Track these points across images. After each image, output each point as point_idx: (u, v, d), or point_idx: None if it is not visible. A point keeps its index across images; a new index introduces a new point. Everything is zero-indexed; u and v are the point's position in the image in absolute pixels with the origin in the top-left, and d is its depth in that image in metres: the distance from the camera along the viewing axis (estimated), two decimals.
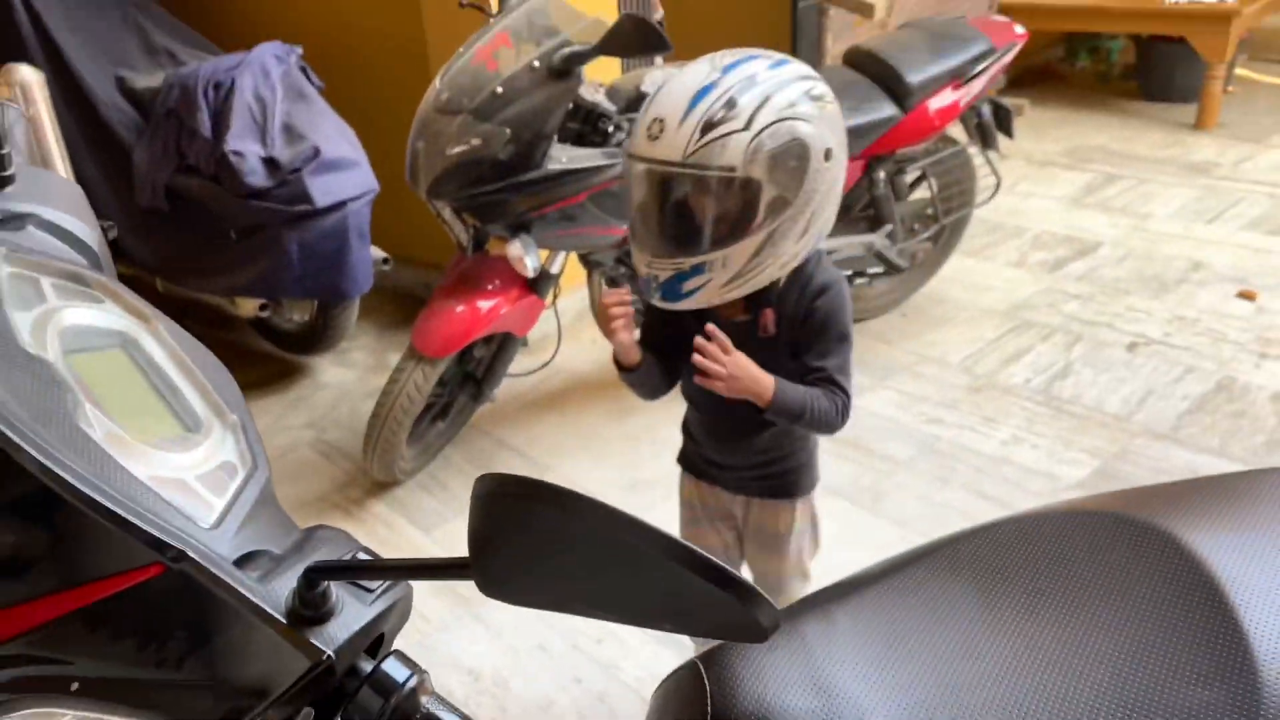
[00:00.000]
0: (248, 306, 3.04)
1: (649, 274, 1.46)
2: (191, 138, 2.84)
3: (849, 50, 2.93)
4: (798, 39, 4.51)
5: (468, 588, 0.71)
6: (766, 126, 1.33)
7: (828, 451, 2.73)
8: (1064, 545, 0.96)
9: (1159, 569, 0.89)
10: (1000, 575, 0.95)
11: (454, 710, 0.62)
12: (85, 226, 0.80)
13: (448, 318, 2.33)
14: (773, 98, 1.35)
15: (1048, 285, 3.55)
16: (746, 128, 1.33)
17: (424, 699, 0.61)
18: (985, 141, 3.04)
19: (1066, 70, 6.07)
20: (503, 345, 2.62)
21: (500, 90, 2.10)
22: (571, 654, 2.13)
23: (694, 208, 1.41)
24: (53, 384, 0.62)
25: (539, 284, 2.39)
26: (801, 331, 1.50)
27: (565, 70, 2.11)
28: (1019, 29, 3.00)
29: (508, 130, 2.11)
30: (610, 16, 2.13)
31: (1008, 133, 3.07)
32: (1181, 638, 0.83)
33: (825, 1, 4.29)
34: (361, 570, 0.58)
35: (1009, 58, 2.93)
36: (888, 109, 2.74)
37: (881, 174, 2.85)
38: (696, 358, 1.39)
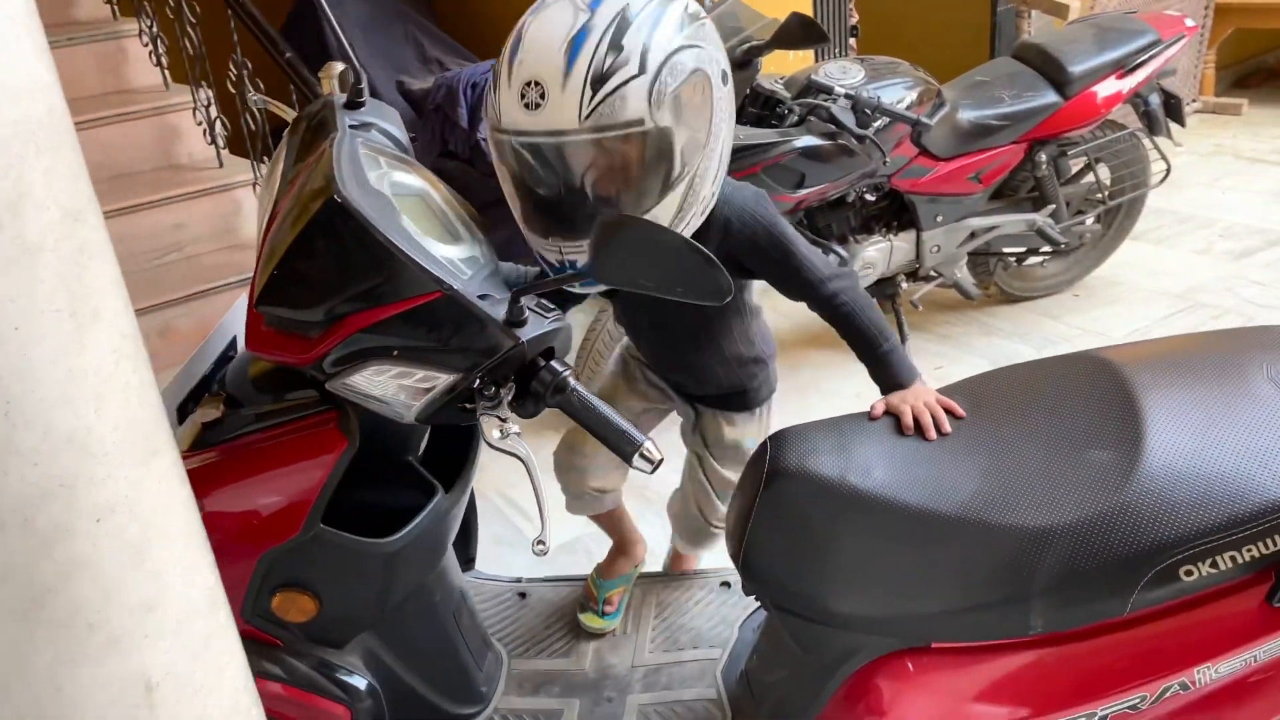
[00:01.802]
0: None
1: (562, 259, 1.27)
2: (452, 128, 3.51)
3: (1017, 45, 3.21)
4: (996, 41, 4.73)
5: None
6: (663, 64, 1.18)
7: None
8: (1046, 379, 1.32)
9: (1100, 386, 1.23)
10: (994, 399, 1.32)
11: (590, 396, 1.09)
12: (402, 134, 1.36)
13: None
14: (657, 30, 1.19)
15: (1229, 271, 3.63)
16: (642, 71, 1.17)
17: (572, 382, 1.09)
18: (1153, 128, 3.21)
19: None
20: None
21: None
22: None
23: (604, 176, 1.23)
24: (388, 205, 1.14)
25: None
26: (749, 264, 1.44)
27: (744, 62, 2.57)
28: (1189, 22, 3.16)
29: None
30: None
31: (1179, 120, 3.22)
32: (1098, 426, 1.18)
33: (1023, 4, 4.50)
34: (537, 286, 1.06)
35: (1176, 49, 3.10)
36: (1049, 96, 3.00)
37: (1043, 156, 3.11)
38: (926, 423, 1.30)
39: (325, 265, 1.10)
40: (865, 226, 3.05)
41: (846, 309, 1.43)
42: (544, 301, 1.15)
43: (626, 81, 1.16)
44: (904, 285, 3.23)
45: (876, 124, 2.76)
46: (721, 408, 1.70)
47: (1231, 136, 4.97)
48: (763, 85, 2.70)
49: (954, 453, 1.24)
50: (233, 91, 2.98)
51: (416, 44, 3.97)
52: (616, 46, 1.16)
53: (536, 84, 1.16)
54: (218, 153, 3.16)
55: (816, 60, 3.60)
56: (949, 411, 1.31)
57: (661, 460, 1.07)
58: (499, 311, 1.07)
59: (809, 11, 3.97)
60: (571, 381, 1.09)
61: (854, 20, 4.16)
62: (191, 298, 2.86)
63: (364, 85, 1.34)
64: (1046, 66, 3.04)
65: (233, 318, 1.45)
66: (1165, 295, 3.51)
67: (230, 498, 1.22)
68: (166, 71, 3.32)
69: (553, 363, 1.10)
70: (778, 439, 1.31)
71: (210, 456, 1.26)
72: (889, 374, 1.40)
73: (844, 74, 2.81)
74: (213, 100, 3.17)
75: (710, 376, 1.65)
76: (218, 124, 3.17)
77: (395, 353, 1.08)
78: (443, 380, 1.07)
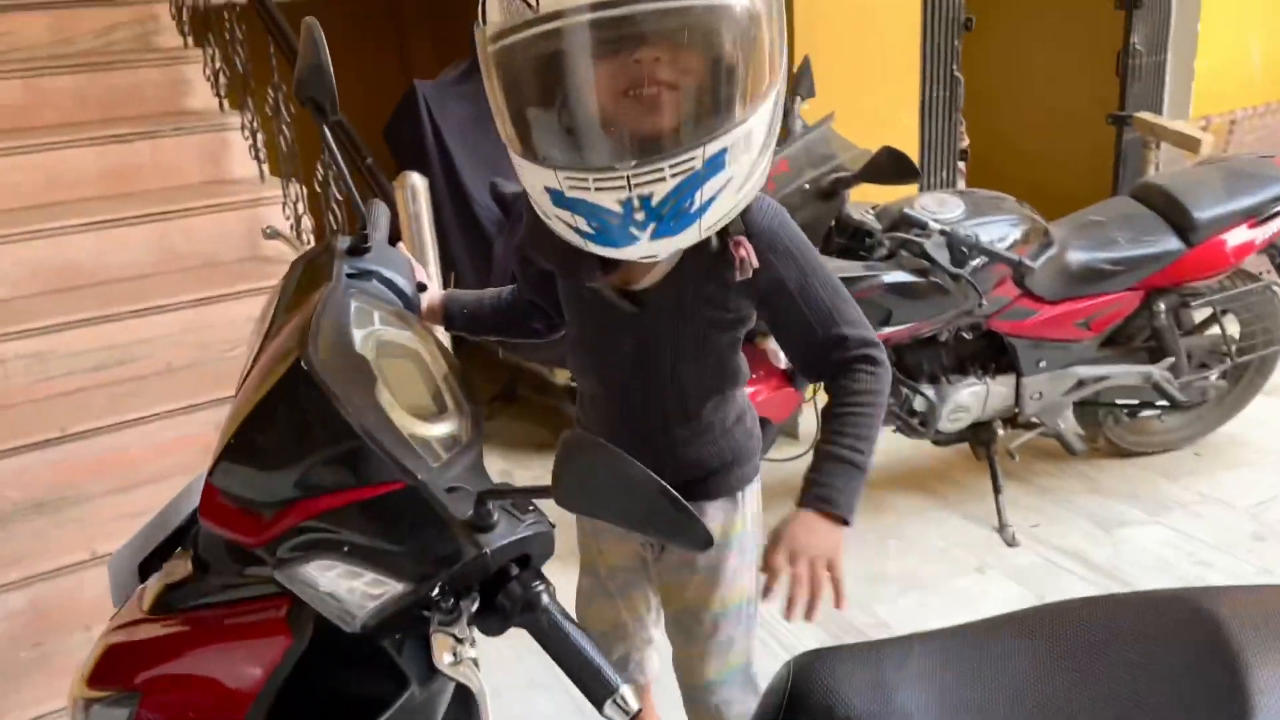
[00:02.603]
0: (563, 375, 3.58)
1: (626, 198, 1.02)
2: None
3: (1138, 185, 2.98)
4: (1121, 171, 4.48)
5: None
6: None
7: (1077, 576, 2.75)
8: (1129, 623, 1.09)
9: (1197, 643, 1.01)
10: (1064, 642, 1.10)
11: (567, 616, 0.93)
12: (407, 283, 1.25)
13: None
14: None
15: None
16: None
17: (546, 600, 0.93)
18: None
19: None
20: (762, 429, 2.91)
21: None
22: None
23: (695, 61, 1.02)
24: (366, 373, 1.02)
25: (795, 377, 2.67)
26: (765, 295, 1.21)
27: (831, 192, 2.42)
28: None
29: None
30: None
31: None
32: (1190, 702, 0.95)
33: (1152, 135, 4.25)
34: (499, 494, 0.91)
35: None
36: (1170, 242, 2.76)
37: (1163, 306, 2.85)
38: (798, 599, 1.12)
39: (283, 438, 0.98)
40: (959, 366, 2.83)
41: (862, 383, 1.20)
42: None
43: None
44: (1001, 432, 2.98)
45: (974, 262, 2.57)
46: (704, 497, 1.38)
47: None
48: (851, 215, 2.55)
49: (1014, 710, 1.03)
50: (318, 191, 2.99)
51: None
52: None
53: None
54: (299, 248, 3.16)
55: (921, 188, 3.43)
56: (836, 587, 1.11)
57: (639, 711, 0.90)
58: (466, 510, 0.92)
59: (916, 131, 3.82)
60: (544, 599, 0.93)
61: (965, 143, 3.99)
62: None
63: (370, 230, 1.24)
64: (1169, 210, 2.81)
65: None
66: None
67: (174, 680, 1.10)
68: (264, 165, 3.37)
69: (525, 573, 0.94)
70: (803, 666, 1.12)
71: (172, 624, 1.14)
72: (827, 489, 1.18)
73: (941, 207, 2.63)
74: (302, 196, 3.19)
75: (691, 452, 1.34)
76: (304, 219, 3.18)
77: (345, 548, 0.94)
78: (393, 588, 0.92)
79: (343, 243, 1.24)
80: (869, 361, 1.21)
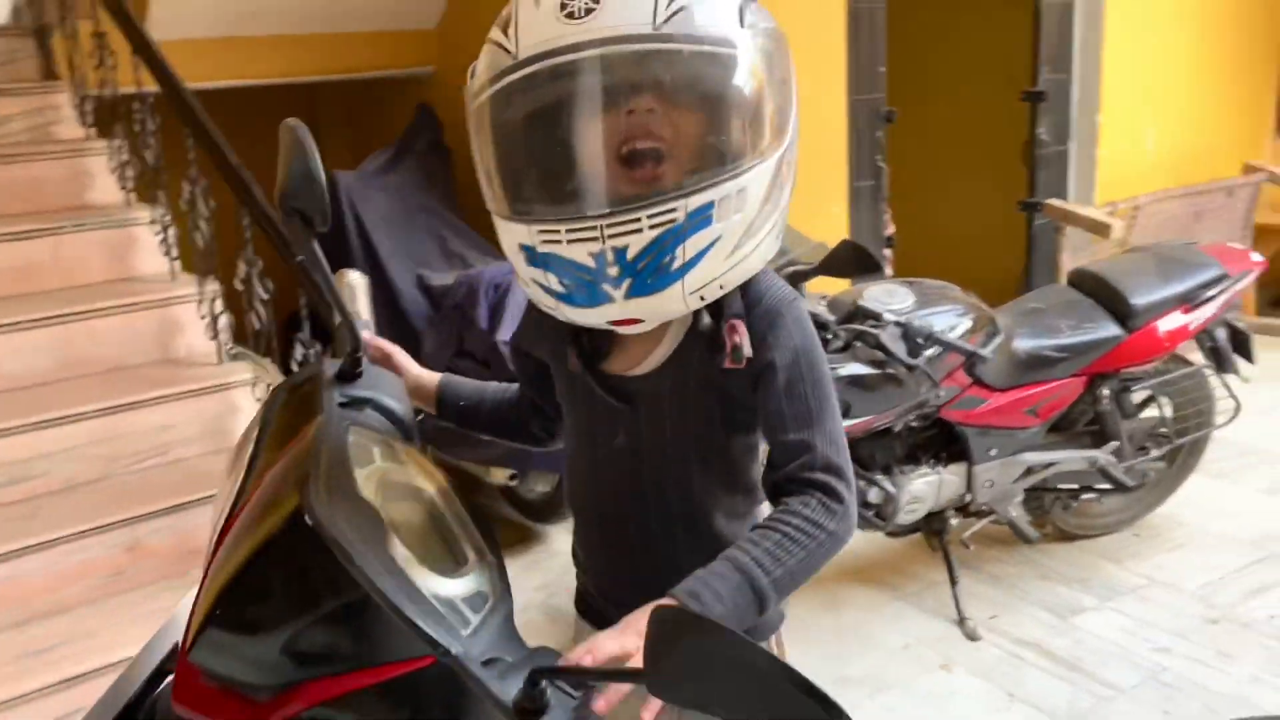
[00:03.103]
0: (499, 475, 3.42)
1: (599, 250, 0.94)
2: (470, 327, 3.32)
3: (1073, 272, 3.04)
4: (1033, 256, 4.61)
5: None
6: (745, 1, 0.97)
7: (1042, 669, 2.71)
8: None
9: None
10: None
11: None
12: (403, 409, 1.10)
13: None
14: None
15: None
16: None
17: None
18: (1220, 365, 3.00)
19: None
20: None
21: None
22: None
23: (686, 109, 0.95)
24: (376, 521, 0.88)
25: None
26: (754, 375, 1.07)
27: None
28: (1256, 256, 3.00)
29: None
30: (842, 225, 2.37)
31: (1247, 356, 3.01)
32: None
33: (1063, 220, 4.39)
34: (569, 673, 0.78)
35: (1244, 284, 2.92)
36: (1110, 329, 2.80)
37: (1105, 391, 2.88)
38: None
39: (282, 608, 0.83)
40: (911, 457, 2.79)
41: (810, 510, 1.00)
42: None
43: None
44: (954, 521, 2.94)
45: (928, 353, 2.55)
46: None
47: None
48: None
49: None
50: (239, 289, 2.81)
51: (439, 238, 3.86)
52: None
53: None
54: (219, 349, 2.96)
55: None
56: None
57: None
58: (510, 688, 0.79)
59: (845, 220, 3.86)
60: None
61: (890, 230, 4.05)
62: (169, 510, 2.59)
63: (359, 355, 1.10)
64: (1106, 297, 2.86)
65: (180, 616, 1.16)
66: (1236, 541, 3.20)
67: None
68: (176, 262, 3.17)
69: None
70: None
71: None
72: (699, 583, 0.94)
73: (892, 298, 2.62)
74: (219, 295, 3.00)
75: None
76: (223, 318, 2.98)
77: None
78: None
79: (330, 367, 1.10)
80: (829, 492, 1.03)
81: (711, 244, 0.96)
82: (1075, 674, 2.63)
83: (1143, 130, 4.81)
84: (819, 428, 1.05)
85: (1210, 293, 2.87)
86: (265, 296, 2.71)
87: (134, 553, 2.54)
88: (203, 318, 3.01)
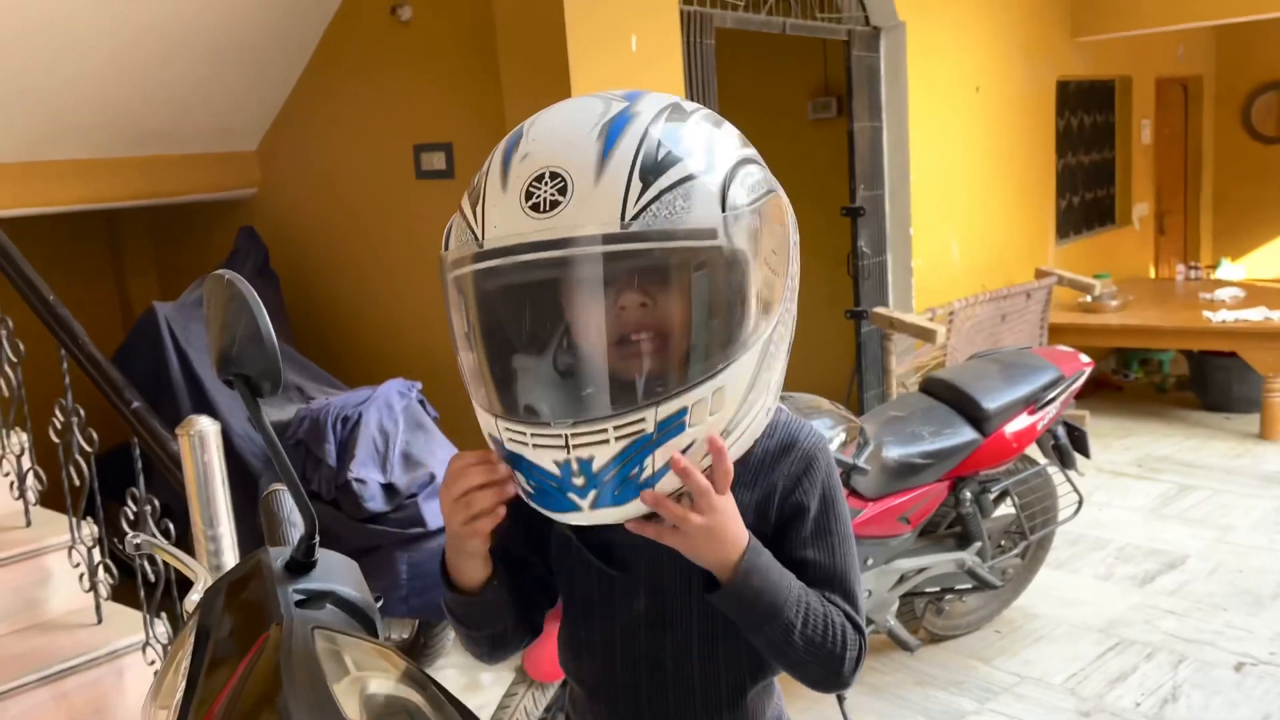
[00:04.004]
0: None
1: (565, 459, 0.86)
2: (317, 465, 3.08)
3: (925, 379, 3.16)
4: (862, 361, 4.81)
5: None
6: (734, 168, 0.88)
7: None
8: None
9: None
10: None
11: None
12: (363, 598, 0.94)
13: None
14: (719, 130, 0.92)
15: (1140, 600, 3.53)
16: (709, 170, 0.86)
17: None
18: (1064, 462, 3.17)
19: (1121, 381, 6.30)
20: None
21: None
22: None
23: (657, 310, 0.87)
24: None
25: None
26: (782, 521, 1.01)
27: None
28: (1084, 358, 3.22)
29: None
30: None
31: (1084, 453, 3.20)
32: None
33: (890, 328, 4.61)
34: None
35: (1078, 384, 3.13)
36: (968, 433, 2.91)
37: (967, 494, 2.97)
38: (668, 504, 0.87)
39: None
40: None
41: (837, 614, 0.99)
42: None
43: (687, 179, 0.85)
44: None
45: None
46: None
47: None
48: None
49: None
50: (55, 441, 2.48)
51: None
52: (674, 138, 0.86)
53: (555, 175, 0.83)
54: (26, 509, 2.59)
55: None
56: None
57: None
58: None
59: None
60: None
61: None
62: None
63: (314, 542, 0.93)
64: (960, 402, 2.97)
65: None
66: (1088, 630, 3.34)
67: None
68: None
69: None
70: None
71: None
72: (762, 554, 0.94)
73: None
74: (27, 448, 2.64)
75: None
76: (30, 475, 2.62)
77: None
78: None
79: (275, 557, 0.92)
80: (851, 621, 1.01)
81: (685, 450, 0.88)
82: None
83: (948, 241, 5.17)
84: (842, 585, 1.01)
85: (1051, 394, 3.04)
86: (89, 449, 2.40)
87: None
88: (5, 475, 2.64)
